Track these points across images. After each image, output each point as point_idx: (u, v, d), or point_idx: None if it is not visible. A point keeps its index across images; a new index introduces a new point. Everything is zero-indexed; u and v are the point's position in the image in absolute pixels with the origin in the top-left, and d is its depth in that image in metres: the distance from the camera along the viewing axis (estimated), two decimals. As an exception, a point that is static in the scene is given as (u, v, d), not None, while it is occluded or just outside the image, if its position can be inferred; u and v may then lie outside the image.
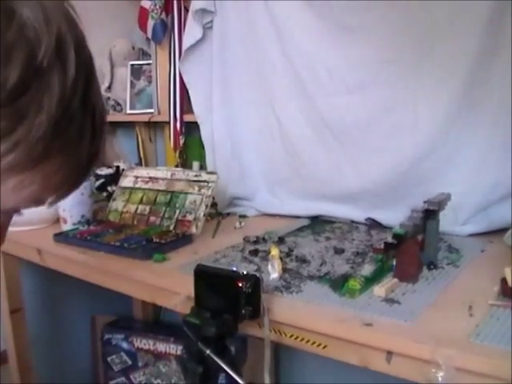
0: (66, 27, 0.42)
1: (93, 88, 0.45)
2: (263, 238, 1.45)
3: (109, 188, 1.93)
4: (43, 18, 0.40)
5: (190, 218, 1.55)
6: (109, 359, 2.24)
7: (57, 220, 1.64)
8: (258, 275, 0.98)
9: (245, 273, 0.97)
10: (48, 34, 0.40)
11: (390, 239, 1.09)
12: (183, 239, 1.46)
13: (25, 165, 0.41)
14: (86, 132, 0.45)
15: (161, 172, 1.71)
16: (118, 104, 2.24)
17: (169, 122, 2.04)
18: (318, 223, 1.64)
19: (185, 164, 2.07)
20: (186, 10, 1.88)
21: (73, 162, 0.45)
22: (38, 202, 0.47)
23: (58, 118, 0.41)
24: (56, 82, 0.40)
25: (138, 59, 2.30)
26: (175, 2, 1.95)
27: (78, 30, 0.44)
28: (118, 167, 2.00)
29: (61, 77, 0.41)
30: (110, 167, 2.03)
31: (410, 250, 1.11)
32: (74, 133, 0.43)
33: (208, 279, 0.99)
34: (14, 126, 0.39)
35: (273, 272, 1.16)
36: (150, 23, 2.00)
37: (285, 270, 1.19)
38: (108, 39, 2.27)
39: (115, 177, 1.90)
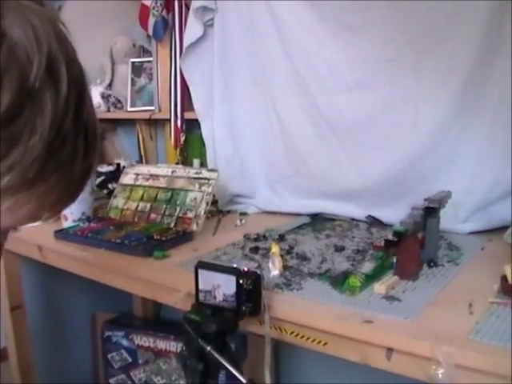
0: (56, 45, 0.41)
1: (85, 104, 0.45)
2: (264, 236, 1.45)
3: (109, 185, 1.93)
4: (34, 37, 0.40)
5: (190, 215, 1.55)
6: (109, 356, 2.24)
7: (57, 217, 1.64)
8: (258, 272, 0.98)
9: (245, 270, 0.98)
10: (39, 53, 0.39)
11: (390, 237, 1.09)
12: (184, 236, 1.46)
13: (20, 186, 0.41)
14: (79, 150, 0.45)
15: (161, 169, 1.71)
16: (119, 101, 2.24)
17: (169, 120, 2.04)
18: (318, 221, 1.64)
19: (185, 162, 2.07)
20: (187, 8, 1.88)
21: (67, 179, 0.45)
22: (34, 219, 0.47)
23: (51, 139, 0.40)
24: (48, 102, 0.40)
25: (139, 57, 2.30)
26: (176, 0, 1.95)
27: (68, 46, 0.44)
28: (118, 164, 2.00)
29: (53, 97, 0.40)
30: (110, 164, 2.03)
31: (410, 247, 1.11)
32: (67, 152, 0.43)
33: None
34: (9, 150, 0.39)
35: (273, 269, 1.16)
36: (151, 20, 2.00)
37: (285, 267, 1.19)
38: (109, 37, 2.27)
39: (116, 174, 1.90)
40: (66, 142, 0.42)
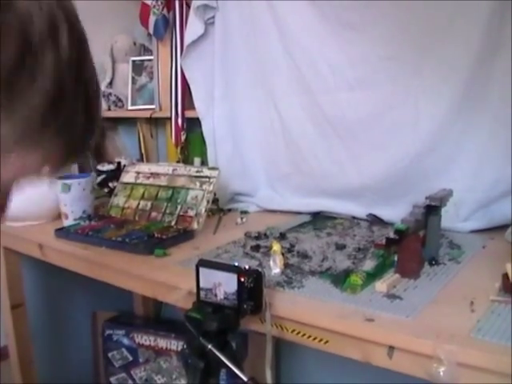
0: (56, 3, 0.43)
1: (86, 62, 0.46)
2: (265, 234, 1.45)
3: (110, 184, 1.93)
4: None
5: (191, 213, 1.55)
6: (110, 355, 2.24)
7: (58, 215, 1.64)
8: (259, 270, 0.98)
9: (247, 268, 0.97)
10: (40, 8, 0.41)
11: (391, 235, 1.09)
12: (184, 235, 1.46)
13: (21, 137, 0.42)
14: (80, 105, 0.46)
15: (162, 168, 1.71)
16: (120, 100, 2.24)
17: (170, 118, 2.04)
18: (319, 219, 1.64)
19: (186, 160, 2.07)
20: (188, 6, 1.88)
21: (68, 133, 0.46)
22: (35, 172, 0.48)
23: (52, 93, 0.42)
24: (49, 57, 0.41)
25: (140, 55, 2.30)
26: (177, -2, 1.95)
27: (69, 6, 0.45)
28: (119, 163, 2.00)
29: (54, 53, 0.42)
30: (111, 163, 2.03)
31: (411, 245, 1.11)
32: (68, 107, 0.44)
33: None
34: (11, 102, 0.40)
35: (274, 267, 1.16)
36: (152, 19, 2.00)
37: (286, 265, 1.19)
38: (109, 35, 2.27)
39: (116, 173, 1.90)
40: (66, 97, 0.44)
